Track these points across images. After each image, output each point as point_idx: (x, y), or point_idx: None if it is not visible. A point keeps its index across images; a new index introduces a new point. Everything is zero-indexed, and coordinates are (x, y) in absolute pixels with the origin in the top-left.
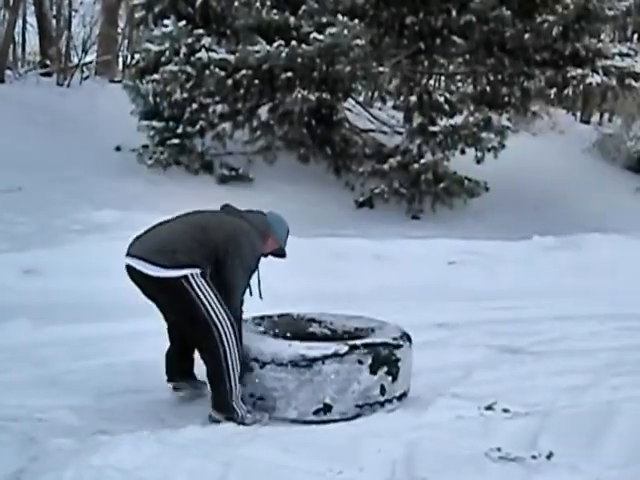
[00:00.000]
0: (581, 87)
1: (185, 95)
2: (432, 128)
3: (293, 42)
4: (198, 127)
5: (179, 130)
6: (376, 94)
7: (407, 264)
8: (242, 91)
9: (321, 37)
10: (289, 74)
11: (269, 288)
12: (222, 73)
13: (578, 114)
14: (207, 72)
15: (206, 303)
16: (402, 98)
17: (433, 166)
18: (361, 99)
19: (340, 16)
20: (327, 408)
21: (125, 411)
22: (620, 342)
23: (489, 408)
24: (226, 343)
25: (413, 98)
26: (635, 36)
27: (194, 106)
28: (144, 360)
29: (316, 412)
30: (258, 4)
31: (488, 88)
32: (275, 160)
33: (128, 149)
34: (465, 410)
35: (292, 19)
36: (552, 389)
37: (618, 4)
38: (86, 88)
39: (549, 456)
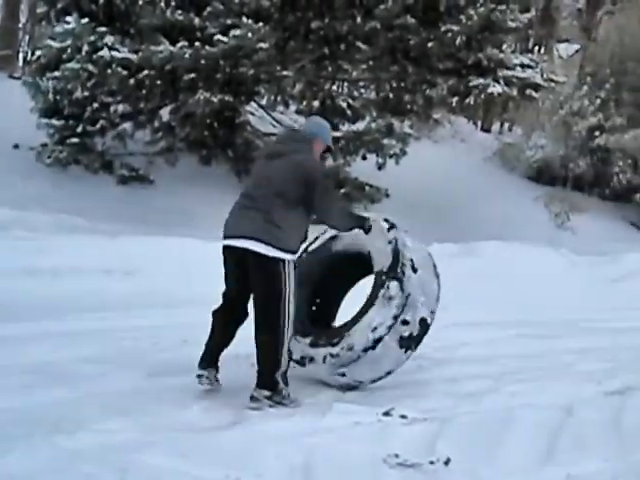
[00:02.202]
0: (483, 96)
1: (86, 93)
2: (334, 133)
3: (197, 43)
4: (99, 126)
5: (79, 129)
6: (279, 98)
7: None
8: (144, 91)
9: (225, 39)
10: (192, 75)
11: (172, 293)
12: (124, 72)
13: (479, 123)
14: (109, 71)
15: (287, 289)
16: (305, 102)
17: (335, 171)
18: (264, 102)
19: (245, 18)
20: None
21: (20, 414)
22: (518, 349)
23: (387, 414)
24: (286, 329)
25: (316, 103)
26: (536, 48)
27: (95, 105)
28: (41, 362)
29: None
30: (162, 4)
31: (391, 95)
32: (176, 162)
33: (27, 147)
34: (363, 416)
35: (197, 20)
36: (450, 395)
37: (520, 16)
38: None
39: (447, 462)
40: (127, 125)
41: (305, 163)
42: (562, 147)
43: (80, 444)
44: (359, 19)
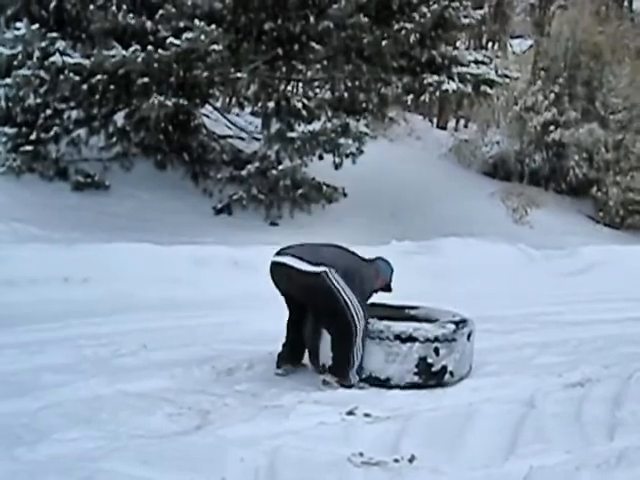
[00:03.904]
0: (437, 94)
1: (39, 100)
2: (290, 134)
3: (150, 47)
4: (52, 133)
5: (33, 136)
6: (234, 100)
7: (266, 270)
8: (97, 96)
9: (178, 42)
10: (145, 79)
11: (130, 298)
12: (77, 78)
13: (435, 120)
14: (62, 77)
15: (343, 294)
16: (260, 104)
17: (291, 172)
18: (219, 105)
19: (198, 21)
20: None
21: None
22: (479, 344)
23: (350, 413)
24: (357, 328)
25: (271, 104)
26: (490, 44)
27: (48, 112)
28: (1, 372)
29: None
30: (114, 8)
31: (346, 94)
32: (132, 167)
33: None
34: (327, 416)
35: (149, 23)
36: (412, 392)
37: (473, 13)
38: None
39: (411, 459)
40: (81, 131)
41: (366, 271)
42: (517, 142)
43: (42, 455)
44: (312, 19)
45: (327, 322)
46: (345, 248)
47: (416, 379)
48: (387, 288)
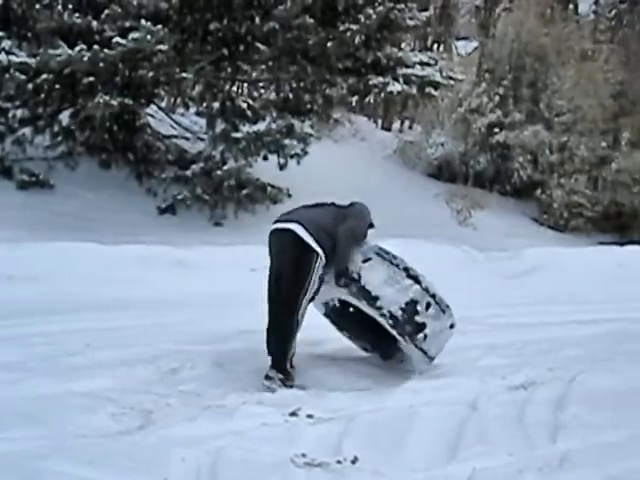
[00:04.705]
0: (382, 95)
1: None
2: (235, 134)
3: (95, 46)
4: None
5: None
6: (179, 100)
7: (210, 271)
8: (43, 95)
9: (124, 42)
10: (91, 79)
11: (74, 298)
12: (22, 77)
13: (379, 121)
14: (7, 76)
15: (309, 284)
16: (205, 104)
17: (236, 173)
18: (164, 105)
19: (143, 21)
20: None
21: None
22: None
23: (293, 414)
24: (300, 317)
25: (216, 104)
26: (435, 46)
27: None
28: None
29: None
30: (60, 7)
31: (291, 95)
32: (77, 166)
33: None
34: (270, 417)
35: (95, 23)
36: (355, 394)
37: (419, 14)
38: None
39: (354, 461)
40: (26, 130)
41: (360, 211)
42: (462, 144)
43: None
44: (257, 20)
45: (283, 286)
46: (336, 204)
47: (399, 314)
48: (371, 226)
